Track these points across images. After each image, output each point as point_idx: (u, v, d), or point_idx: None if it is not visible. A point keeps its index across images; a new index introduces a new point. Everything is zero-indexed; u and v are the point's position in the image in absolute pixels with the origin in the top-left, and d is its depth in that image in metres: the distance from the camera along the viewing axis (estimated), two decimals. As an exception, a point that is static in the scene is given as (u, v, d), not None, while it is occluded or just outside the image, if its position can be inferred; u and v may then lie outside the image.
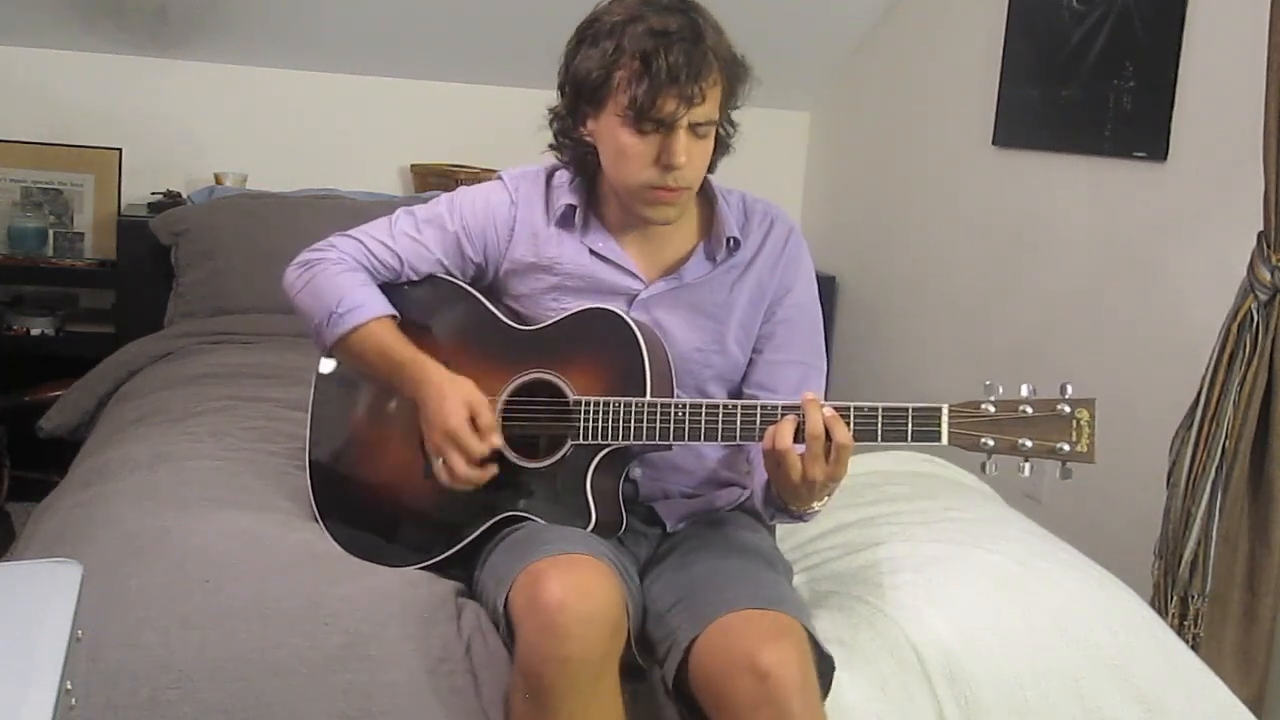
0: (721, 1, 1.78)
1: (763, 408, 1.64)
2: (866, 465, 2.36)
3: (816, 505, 1.69)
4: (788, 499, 1.67)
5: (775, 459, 1.60)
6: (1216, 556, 2.45)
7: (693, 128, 1.70)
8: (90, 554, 1.71)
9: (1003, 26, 3.34)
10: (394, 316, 1.84)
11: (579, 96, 1.75)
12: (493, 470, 1.74)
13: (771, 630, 1.58)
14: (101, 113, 3.67)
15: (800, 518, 1.75)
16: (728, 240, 1.83)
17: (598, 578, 1.56)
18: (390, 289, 1.87)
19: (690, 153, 1.70)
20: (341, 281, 1.83)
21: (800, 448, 1.59)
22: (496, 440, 1.73)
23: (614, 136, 1.72)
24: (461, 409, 1.72)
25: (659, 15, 1.68)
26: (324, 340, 1.84)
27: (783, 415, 1.61)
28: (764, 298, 1.86)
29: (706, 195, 1.87)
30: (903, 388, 3.82)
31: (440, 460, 1.73)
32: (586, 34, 1.74)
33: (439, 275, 1.89)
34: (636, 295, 1.83)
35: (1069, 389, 1.55)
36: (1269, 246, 2.38)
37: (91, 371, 2.97)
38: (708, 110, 1.70)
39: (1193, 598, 2.48)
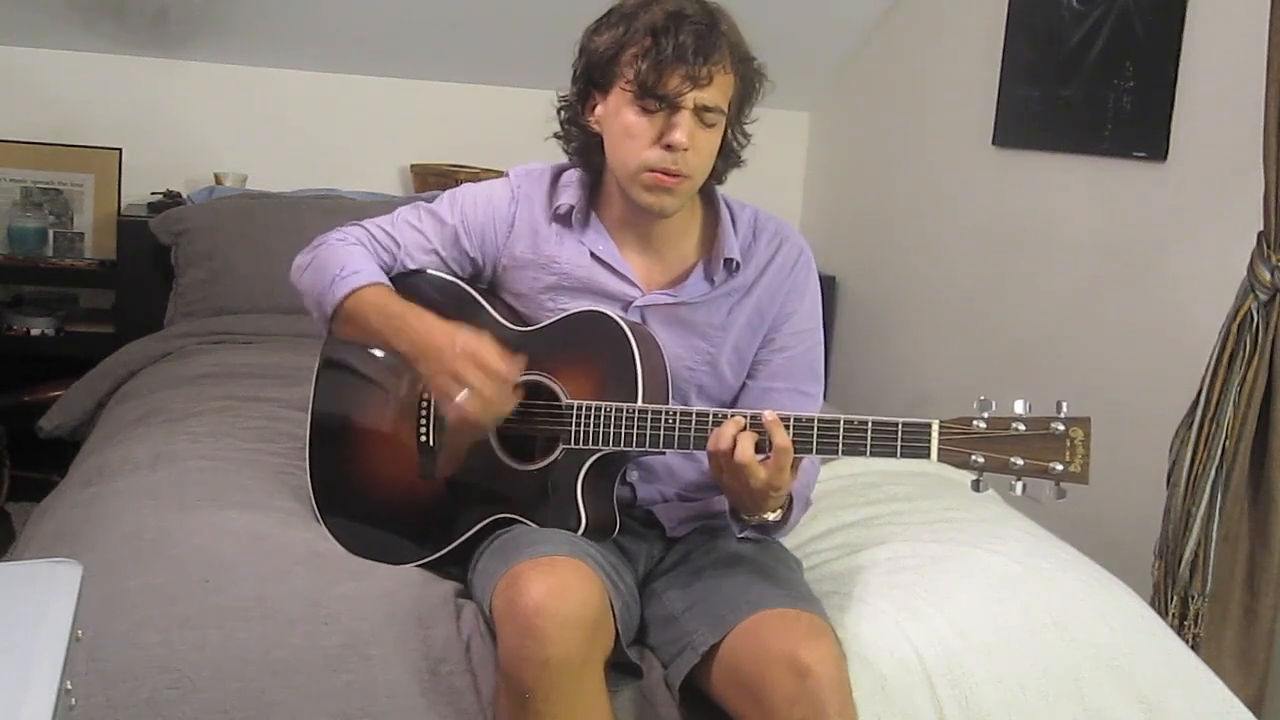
0: (723, 2, 1.78)
1: (753, 416, 1.63)
2: (866, 465, 2.35)
3: (770, 516, 1.70)
4: (734, 504, 1.70)
5: (716, 463, 1.62)
6: (1216, 556, 2.45)
7: (699, 113, 1.69)
8: (90, 554, 1.71)
9: (1003, 26, 3.33)
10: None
11: (589, 78, 1.76)
12: (519, 398, 1.71)
13: (808, 629, 1.60)
14: (101, 113, 3.67)
15: (764, 530, 1.75)
16: (727, 261, 1.82)
17: (577, 579, 1.56)
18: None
19: (695, 139, 1.69)
20: (345, 252, 1.84)
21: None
22: (518, 366, 1.69)
23: (619, 116, 1.71)
24: (477, 337, 1.69)
25: (677, 0, 1.70)
26: (326, 307, 1.81)
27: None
28: (763, 322, 1.85)
29: (714, 209, 1.86)
30: (902, 388, 3.82)
31: (465, 392, 1.65)
32: (603, 21, 1.76)
33: (437, 271, 1.89)
34: (632, 302, 1.82)
35: (1064, 407, 1.52)
36: (1269, 246, 2.38)
37: (91, 371, 2.97)
38: (715, 96, 1.69)
39: (1193, 598, 2.47)
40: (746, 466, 1.58)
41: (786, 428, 1.58)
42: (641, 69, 1.67)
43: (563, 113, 1.82)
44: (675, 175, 1.71)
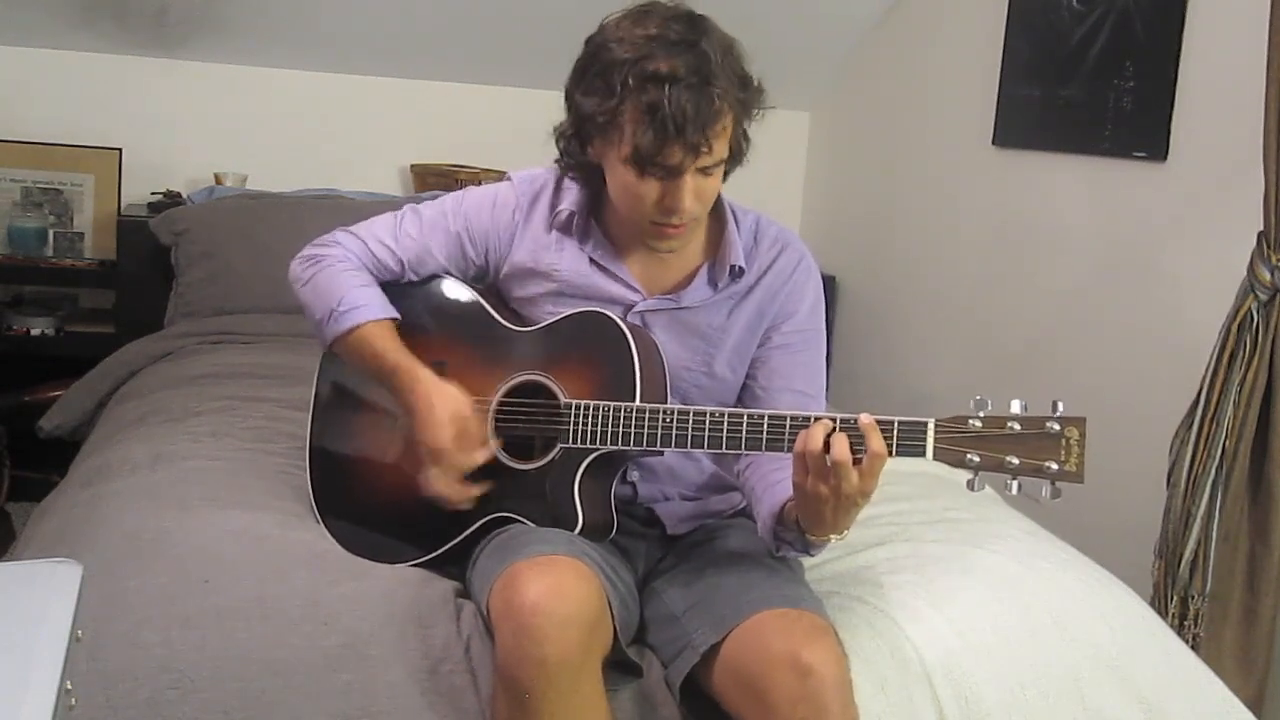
0: (722, 2, 1.78)
1: (750, 416, 1.62)
2: (866, 465, 2.35)
3: (834, 537, 1.62)
4: (810, 521, 1.60)
5: (802, 465, 1.54)
6: (1216, 556, 2.45)
7: (700, 170, 1.66)
8: (90, 554, 1.71)
9: (1003, 26, 3.34)
10: (394, 319, 1.84)
11: (582, 130, 1.72)
12: (477, 490, 1.74)
13: (810, 629, 1.60)
14: (101, 113, 3.67)
15: (807, 550, 1.70)
16: (732, 267, 1.81)
17: (574, 579, 1.56)
18: (390, 286, 1.87)
19: (697, 191, 1.68)
20: (343, 280, 1.83)
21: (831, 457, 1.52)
22: (482, 455, 1.73)
23: (619, 173, 1.69)
24: (447, 426, 1.71)
25: (666, 54, 1.61)
26: (324, 337, 1.84)
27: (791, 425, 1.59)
28: (761, 323, 1.84)
29: (718, 216, 1.84)
30: (902, 387, 3.82)
31: (427, 474, 1.74)
32: (592, 64, 1.67)
33: (439, 274, 1.88)
34: (633, 306, 1.82)
35: (1060, 406, 1.52)
36: (1269, 246, 2.38)
37: (91, 371, 2.97)
38: (715, 154, 1.66)
39: (1193, 598, 2.48)
40: (842, 466, 1.51)
41: (839, 429, 1.53)
42: (640, 144, 1.61)
43: (560, 142, 1.79)
44: (679, 227, 1.71)
